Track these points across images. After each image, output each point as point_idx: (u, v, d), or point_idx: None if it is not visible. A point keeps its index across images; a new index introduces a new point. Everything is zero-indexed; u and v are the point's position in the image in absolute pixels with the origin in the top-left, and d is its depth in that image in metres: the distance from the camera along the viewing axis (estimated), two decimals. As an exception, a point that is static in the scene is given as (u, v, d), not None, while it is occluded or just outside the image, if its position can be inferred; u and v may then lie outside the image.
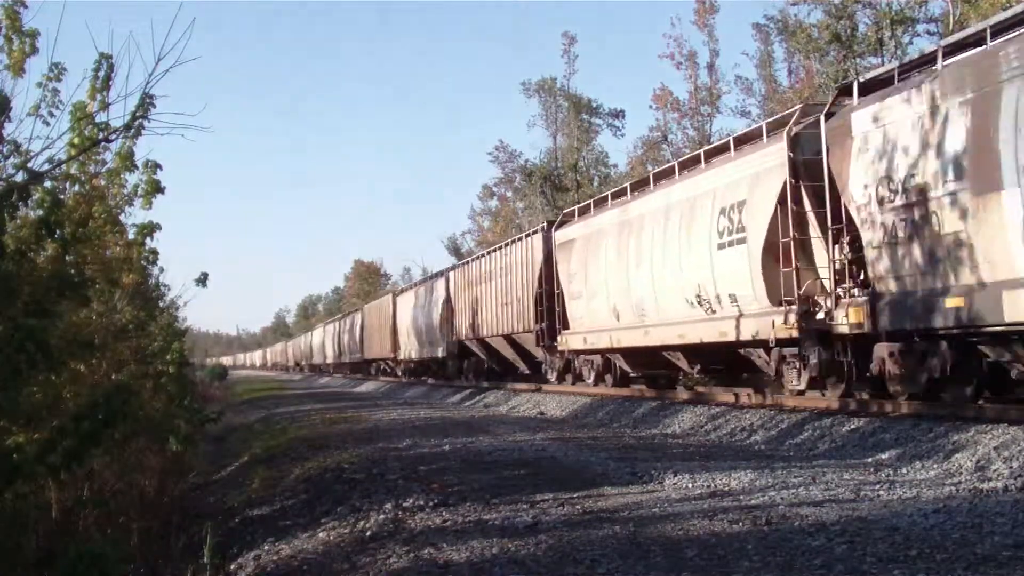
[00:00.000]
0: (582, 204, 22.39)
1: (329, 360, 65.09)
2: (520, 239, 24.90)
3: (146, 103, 5.84)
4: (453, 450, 11.85)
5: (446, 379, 32.96)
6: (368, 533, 7.05)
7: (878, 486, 7.57)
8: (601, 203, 20.20)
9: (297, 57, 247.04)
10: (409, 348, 37.83)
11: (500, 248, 26.62)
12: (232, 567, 7.65)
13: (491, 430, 14.56)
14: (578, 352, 20.78)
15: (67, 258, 6.60)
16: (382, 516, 7.57)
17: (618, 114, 47.83)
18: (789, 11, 32.85)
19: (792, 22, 32.65)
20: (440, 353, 32.48)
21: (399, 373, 42.25)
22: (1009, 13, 9.81)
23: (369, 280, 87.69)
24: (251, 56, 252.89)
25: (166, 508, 10.51)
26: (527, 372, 25.91)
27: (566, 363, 21.86)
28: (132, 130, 6.16)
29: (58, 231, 5.94)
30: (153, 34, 5.29)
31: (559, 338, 21.23)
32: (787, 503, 7.00)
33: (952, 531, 5.74)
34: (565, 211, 23.40)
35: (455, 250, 58.59)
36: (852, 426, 10.84)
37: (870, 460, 9.36)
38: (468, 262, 30.38)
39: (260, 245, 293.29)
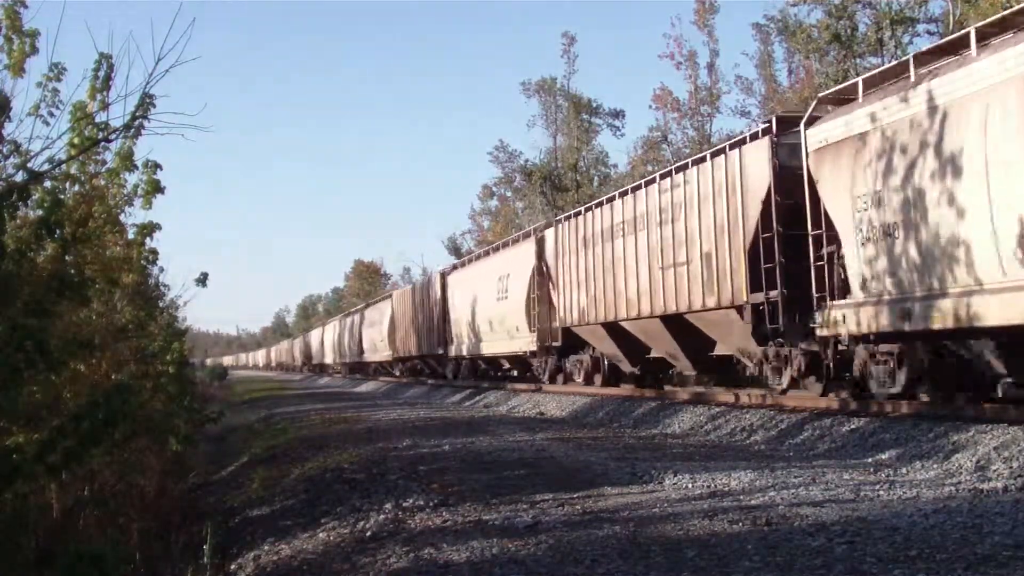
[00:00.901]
0: (870, 73, 12.29)
1: (344, 359, 55.60)
2: (705, 158, 15.10)
3: (146, 103, 5.85)
4: (453, 450, 11.85)
5: (530, 381, 24.68)
6: (368, 533, 7.05)
7: (878, 486, 7.57)
8: (955, 49, 10.46)
9: (297, 57, 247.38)
10: (470, 342, 28.44)
11: (656, 180, 16.61)
12: (232, 567, 7.66)
13: (491, 430, 14.56)
14: (864, 337, 11.58)
15: (67, 258, 6.60)
16: (382, 516, 7.57)
17: (618, 114, 47.91)
18: (789, 11, 32.88)
19: (792, 22, 32.67)
20: (527, 347, 23.26)
21: (449, 375, 32.77)
22: None
23: (369, 280, 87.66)
24: (251, 56, 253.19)
25: (166, 508, 10.51)
26: (692, 372, 17.63)
27: (811, 359, 12.92)
28: (132, 130, 6.17)
29: (58, 231, 5.94)
30: (153, 34, 5.31)
31: (825, 314, 11.98)
32: (787, 503, 6.99)
33: (952, 531, 5.74)
34: (823, 95, 13.19)
35: (455, 250, 58.58)
36: (852, 426, 10.83)
37: (870, 460, 9.36)
38: (583, 211, 20.33)
39: (260, 245, 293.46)
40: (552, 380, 22.91)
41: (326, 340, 63.66)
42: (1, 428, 5.50)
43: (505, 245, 27.48)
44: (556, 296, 21.65)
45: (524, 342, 23.60)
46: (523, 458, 10.63)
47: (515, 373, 28.12)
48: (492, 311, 25.85)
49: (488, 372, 29.98)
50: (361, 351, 48.14)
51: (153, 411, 9.55)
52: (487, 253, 29.49)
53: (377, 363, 45.61)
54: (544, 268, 22.74)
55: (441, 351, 31.90)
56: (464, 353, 29.60)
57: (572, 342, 21.32)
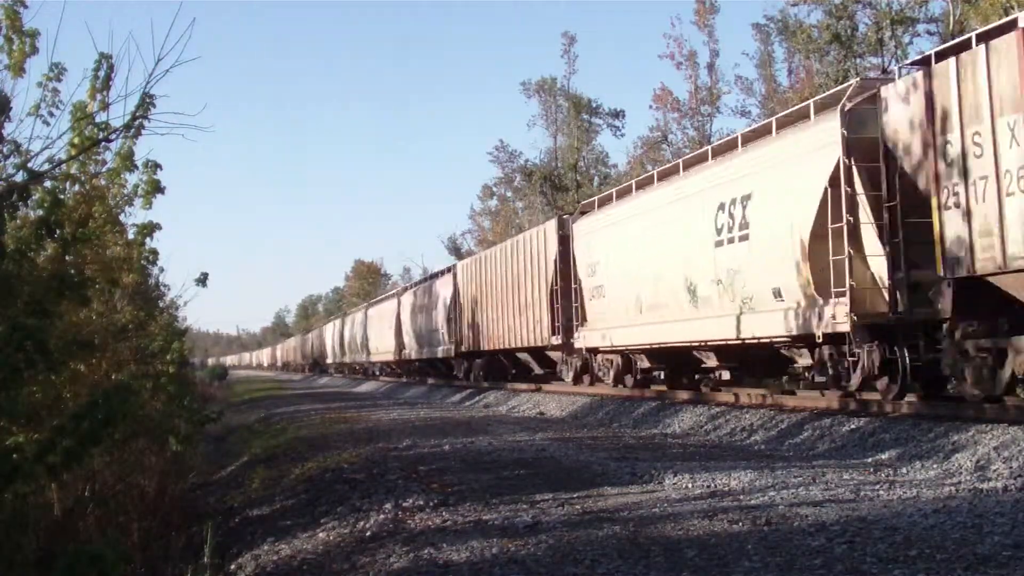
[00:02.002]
0: None
1: (372, 357, 45.14)
2: None
3: (146, 103, 5.84)
4: (453, 450, 11.85)
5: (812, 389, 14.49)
6: (368, 533, 7.06)
7: (878, 486, 7.57)
8: None
9: (296, 57, 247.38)
10: (630, 323, 17.25)
11: None
12: (232, 567, 7.66)
13: (491, 430, 14.56)
14: None
15: (67, 258, 6.60)
16: (382, 516, 7.57)
17: (618, 114, 47.90)
18: (789, 11, 32.90)
19: (792, 22, 32.69)
20: (813, 326, 12.05)
21: (568, 379, 21.77)
22: None
23: (369, 280, 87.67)
24: (250, 56, 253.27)
25: (166, 508, 10.51)
26: None
27: None
28: (132, 130, 6.17)
29: (58, 231, 5.94)
30: (153, 34, 5.30)
31: None
32: (787, 503, 7.00)
33: (952, 531, 5.74)
34: None
35: (455, 250, 58.59)
36: (852, 426, 10.83)
37: (870, 460, 9.36)
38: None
39: (260, 245, 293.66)
40: (888, 392, 11.56)
41: (348, 336, 52.58)
42: (1, 428, 5.49)
43: (730, 148, 14.62)
44: (960, 206, 9.83)
45: (797, 317, 12.35)
46: (523, 458, 10.63)
47: (725, 375, 16.19)
48: (697, 267, 14.69)
49: (652, 375, 18.15)
50: (400, 346, 37.94)
51: (153, 411, 9.55)
52: (678, 169, 16.29)
53: (426, 361, 35.07)
54: (892, 164, 11.04)
55: (559, 340, 20.93)
56: (613, 342, 18.16)
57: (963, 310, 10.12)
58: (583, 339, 19.82)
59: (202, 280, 10.22)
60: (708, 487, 7.98)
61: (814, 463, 9.25)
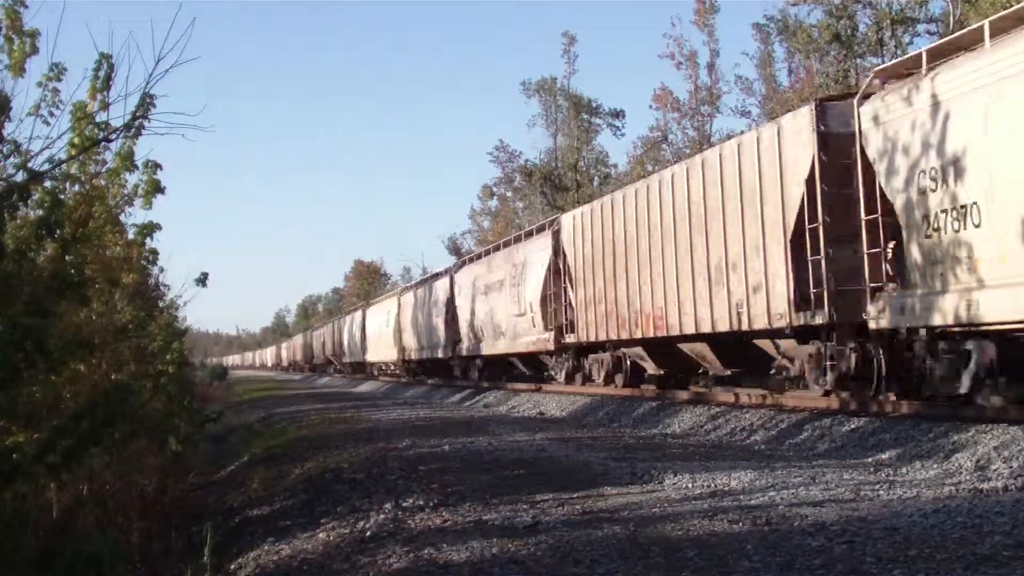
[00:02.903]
0: None
1: (412, 355, 35.73)
2: None
3: (146, 103, 5.84)
4: (453, 450, 11.85)
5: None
6: (368, 533, 7.06)
7: (878, 486, 7.57)
8: None
9: (296, 56, 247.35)
10: None
11: None
12: (232, 567, 7.66)
13: (491, 430, 14.55)
14: None
15: (67, 258, 6.61)
16: (382, 516, 7.57)
17: (618, 114, 47.85)
18: (789, 11, 32.87)
19: (792, 22, 32.67)
20: None
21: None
22: None
23: (369, 280, 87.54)
24: (250, 55, 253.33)
25: (166, 508, 10.52)
26: None
27: None
28: (132, 130, 6.17)
29: (58, 231, 5.94)
30: (153, 34, 5.31)
31: None
32: (787, 503, 6.99)
33: (952, 531, 5.74)
34: None
35: (455, 250, 58.55)
36: (852, 426, 10.83)
37: (870, 460, 9.36)
38: None
39: (260, 245, 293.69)
40: None
41: (372, 329, 42.59)
42: (1, 428, 5.49)
43: None
44: None
45: None
46: (523, 458, 10.63)
47: None
48: None
49: None
50: (454, 339, 29.21)
51: (153, 411, 9.56)
52: None
53: (496, 357, 26.22)
54: None
55: (814, 318, 11.96)
56: (993, 315, 9.19)
57: None
58: (891, 312, 10.63)
59: (202, 280, 10.24)
60: (708, 487, 7.98)
61: (814, 463, 9.25)
